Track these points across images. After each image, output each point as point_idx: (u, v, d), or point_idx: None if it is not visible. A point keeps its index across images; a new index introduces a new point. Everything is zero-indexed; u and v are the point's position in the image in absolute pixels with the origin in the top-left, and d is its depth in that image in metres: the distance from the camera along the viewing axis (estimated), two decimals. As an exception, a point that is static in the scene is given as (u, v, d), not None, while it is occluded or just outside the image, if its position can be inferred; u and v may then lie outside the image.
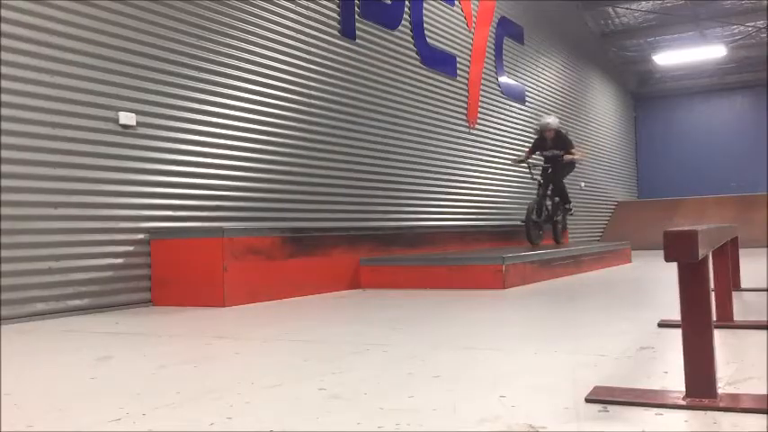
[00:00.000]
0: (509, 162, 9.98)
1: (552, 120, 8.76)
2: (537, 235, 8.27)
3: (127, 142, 5.06)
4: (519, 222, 8.56)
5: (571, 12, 14.24)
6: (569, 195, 9.00)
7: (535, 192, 8.66)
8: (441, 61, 9.14)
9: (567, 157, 8.47)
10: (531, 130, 11.92)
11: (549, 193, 8.61)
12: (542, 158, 8.67)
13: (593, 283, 6.34)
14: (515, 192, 11.08)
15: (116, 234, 4.94)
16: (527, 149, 9.08)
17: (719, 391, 1.89)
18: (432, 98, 8.90)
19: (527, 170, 8.76)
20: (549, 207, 8.67)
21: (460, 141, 9.58)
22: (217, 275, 4.91)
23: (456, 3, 9.67)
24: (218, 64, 5.82)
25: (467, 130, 9.79)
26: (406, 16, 8.43)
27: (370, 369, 2.56)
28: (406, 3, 8.46)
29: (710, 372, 1.86)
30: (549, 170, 8.54)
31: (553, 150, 8.52)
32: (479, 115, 10.11)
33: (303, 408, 2.01)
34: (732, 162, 17.65)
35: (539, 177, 8.54)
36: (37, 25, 4.52)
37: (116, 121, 4.98)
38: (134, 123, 5.09)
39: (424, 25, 8.81)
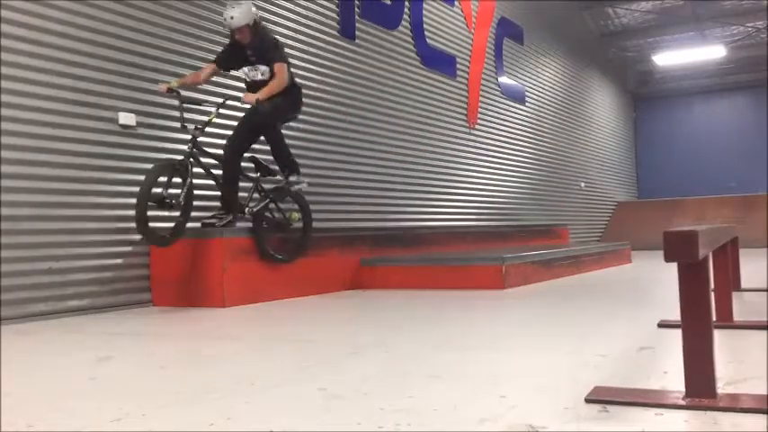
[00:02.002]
0: (159, 90, 4.96)
1: (241, 8, 4.84)
2: (156, 235, 4.59)
3: (127, 142, 5.05)
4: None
5: (571, 12, 14.23)
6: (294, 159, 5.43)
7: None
8: (440, 61, 9.14)
9: (249, 96, 4.78)
10: (532, 130, 11.94)
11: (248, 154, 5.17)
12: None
13: (594, 283, 6.34)
14: (516, 192, 11.08)
15: (116, 234, 4.94)
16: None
17: (719, 391, 1.89)
18: (432, 98, 8.90)
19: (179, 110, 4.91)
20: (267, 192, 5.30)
21: (460, 141, 9.58)
22: (216, 276, 4.91)
23: (456, 3, 9.67)
24: (218, 64, 5.80)
25: (467, 130, 9.78)
26: (405, 17, 8.43)
27: (371, 369, 2.56)
28: (406, 3, 8.46)
29: (710, 372, 1.86)
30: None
31: (256, 66, 5.02)
32: (479, 115, 10.11)
33: (303, 408, 2.01)
34: (732, 162, 17.65)
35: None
36: (37, 25, 4.52)
37: (116, 121, 4.98)
38: (134, 123, 5.09)
39: (424, 26, 8.81)
